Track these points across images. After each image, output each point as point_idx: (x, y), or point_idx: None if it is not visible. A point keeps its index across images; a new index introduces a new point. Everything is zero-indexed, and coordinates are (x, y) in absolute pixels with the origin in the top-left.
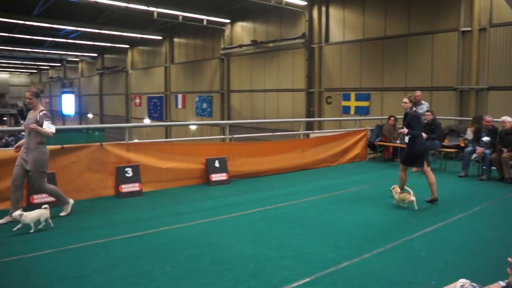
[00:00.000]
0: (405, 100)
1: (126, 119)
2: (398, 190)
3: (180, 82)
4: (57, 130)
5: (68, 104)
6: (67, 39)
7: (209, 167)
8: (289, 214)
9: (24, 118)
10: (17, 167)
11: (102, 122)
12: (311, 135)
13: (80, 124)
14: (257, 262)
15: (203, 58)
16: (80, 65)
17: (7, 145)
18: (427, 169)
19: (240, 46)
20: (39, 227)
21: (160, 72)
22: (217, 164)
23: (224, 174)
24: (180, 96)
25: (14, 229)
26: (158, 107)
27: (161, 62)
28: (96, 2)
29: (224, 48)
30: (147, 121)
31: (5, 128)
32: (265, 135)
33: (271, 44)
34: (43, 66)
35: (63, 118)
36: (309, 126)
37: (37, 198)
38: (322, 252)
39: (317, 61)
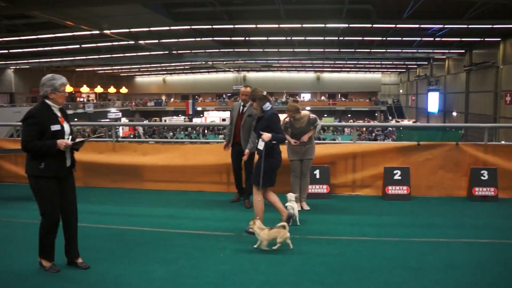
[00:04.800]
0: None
1: (494, 118)
2: (262, 224)
3: None
4: (414, 127)
5: (433, 101)
6: (434, 37)
7: None
8: None
9: (392, 115)
10: None
11: (466, 121)
12: None
13: (444, 122)
14: None
15: None
16: (446, 62)
17: (375, 138)
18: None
19: None
20: None
21: None
22: None
23: None
24: None
25: None
26: None
27: None
28: None
29: None
30: None
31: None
32: None
33: None
34: (411, 65)
35: (427, 115)
36: None
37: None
38: None
39: None
